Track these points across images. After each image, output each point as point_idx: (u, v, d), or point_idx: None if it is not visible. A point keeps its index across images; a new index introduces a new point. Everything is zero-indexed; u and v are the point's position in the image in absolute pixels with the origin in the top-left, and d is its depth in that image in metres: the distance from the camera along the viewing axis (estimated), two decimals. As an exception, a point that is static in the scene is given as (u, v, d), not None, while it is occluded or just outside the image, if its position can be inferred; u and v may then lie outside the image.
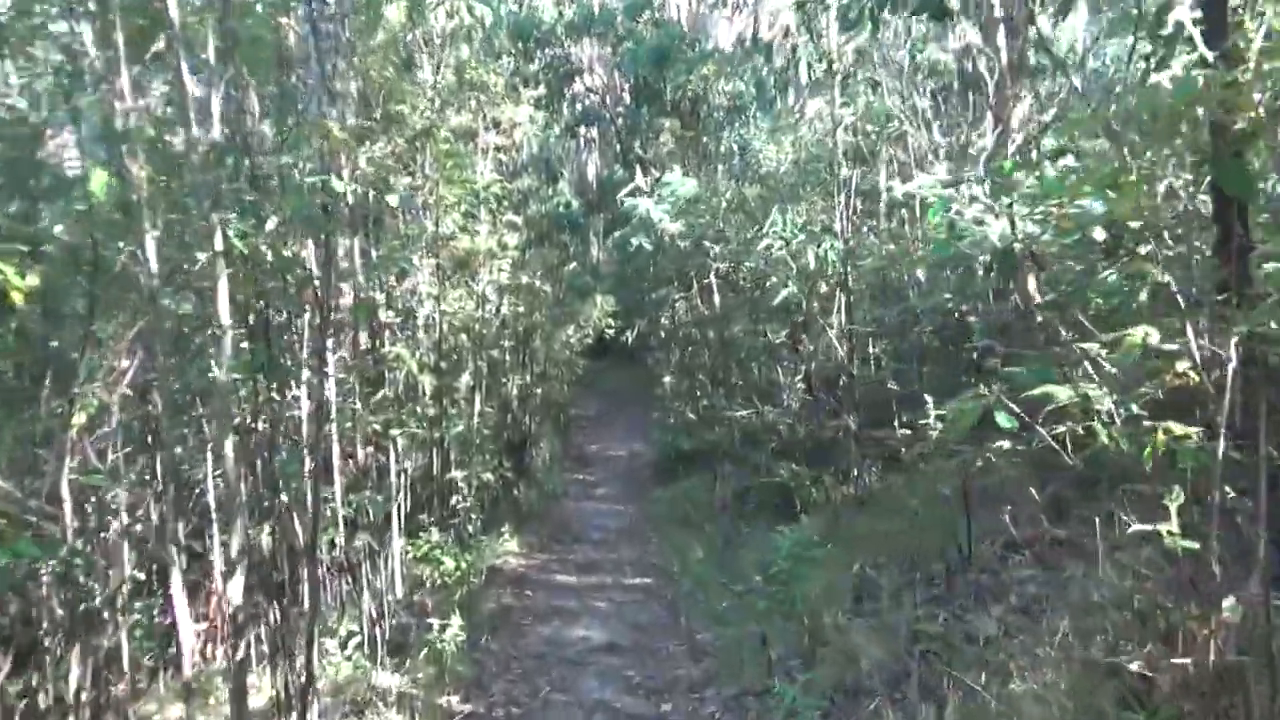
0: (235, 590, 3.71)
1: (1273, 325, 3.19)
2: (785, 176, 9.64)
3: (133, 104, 3.79)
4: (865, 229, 9.32)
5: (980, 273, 6.85)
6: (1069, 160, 3.82)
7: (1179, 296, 3.64)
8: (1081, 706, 3.71)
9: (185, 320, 4.41)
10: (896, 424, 6.32)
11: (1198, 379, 3.42)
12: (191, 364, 4.46)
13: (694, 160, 12.83)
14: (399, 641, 6.75)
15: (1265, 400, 3.33)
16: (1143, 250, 3.45)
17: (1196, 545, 3.16)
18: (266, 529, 4.73)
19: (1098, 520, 4.74)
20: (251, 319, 4.57)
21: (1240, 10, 4.28)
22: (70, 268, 4.31)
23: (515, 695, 6.03)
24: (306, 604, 4.51)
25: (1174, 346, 3.41)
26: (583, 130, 17.39)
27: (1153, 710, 3.48)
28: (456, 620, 6.26)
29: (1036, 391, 3.50)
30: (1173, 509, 3.12)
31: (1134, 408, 3.39)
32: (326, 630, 6.11)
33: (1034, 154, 6.30)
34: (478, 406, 10.36)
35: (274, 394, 4.60)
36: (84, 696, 4.43)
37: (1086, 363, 3.78)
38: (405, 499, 8.33)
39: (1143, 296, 3.70)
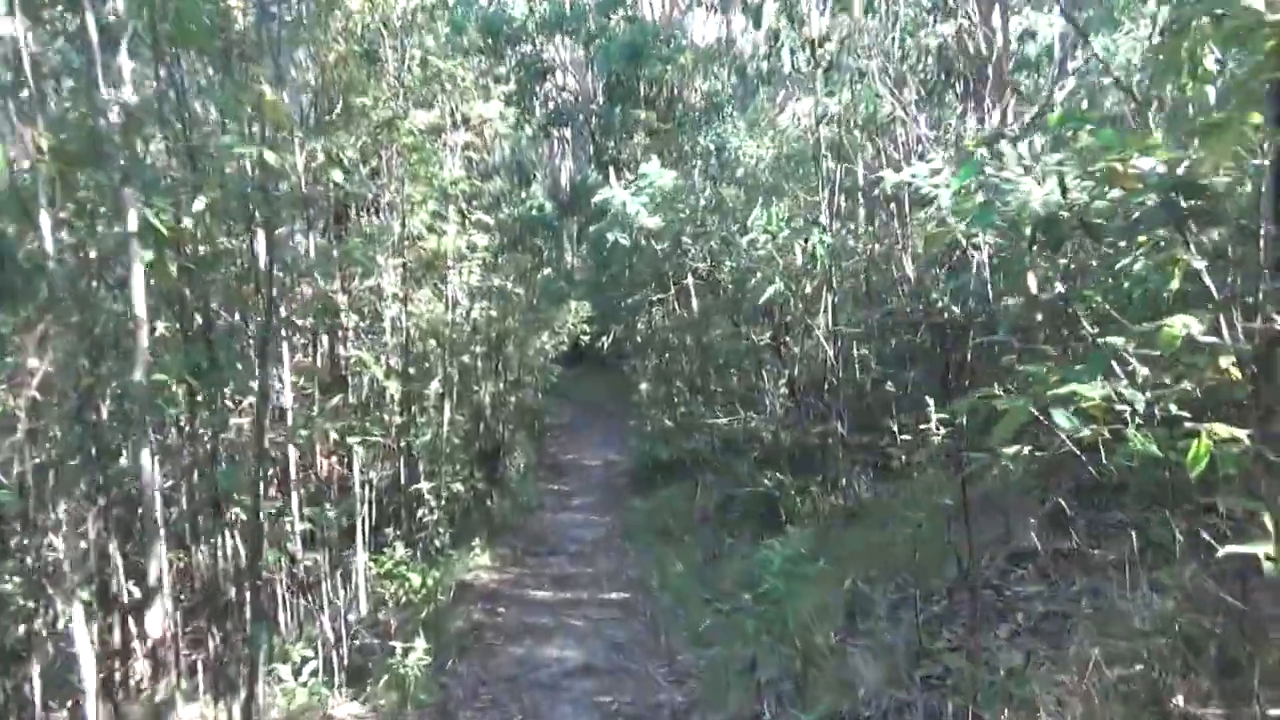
0: (154, 621, 3.28)
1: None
2: (765, 173, 9.27)
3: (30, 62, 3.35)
4: (845, 230, 8.96)
5: (975, 270, 6.53)
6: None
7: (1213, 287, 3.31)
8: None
9: (107, 314, 3.98)
10: (893, 429, 5.93)
11: (1240, 375, 3.07)
12: (113, 365, 4.01)
13: (670, 160, 12.45)
14: (360, 664, 6.31)
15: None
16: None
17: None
18: (205, 548, 4.28)
19: (1124, 532, 4.37)
20: (197, 318, 4.17)
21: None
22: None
23: (484, 725, 5.61)
24: (250, 629, 4.07)
25: (1213, 339, 3.06)
26: (555, 131, 16.99)
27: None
28: (421, 642, 5.82)
29: (1064, 390, 3.13)
30: (1271, 526, 2.73)
31: (1173, 408, 3.04)
32: (280, 655, 5.66)
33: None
34: (447, 414, 9.92)
35: (218, 400, 4.16)
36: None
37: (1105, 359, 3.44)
38: (370, 512, 7.90)
39: (1174, 284, 3.33)
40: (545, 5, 14.00)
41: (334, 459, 7.38)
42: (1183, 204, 3.19)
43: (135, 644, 3.71)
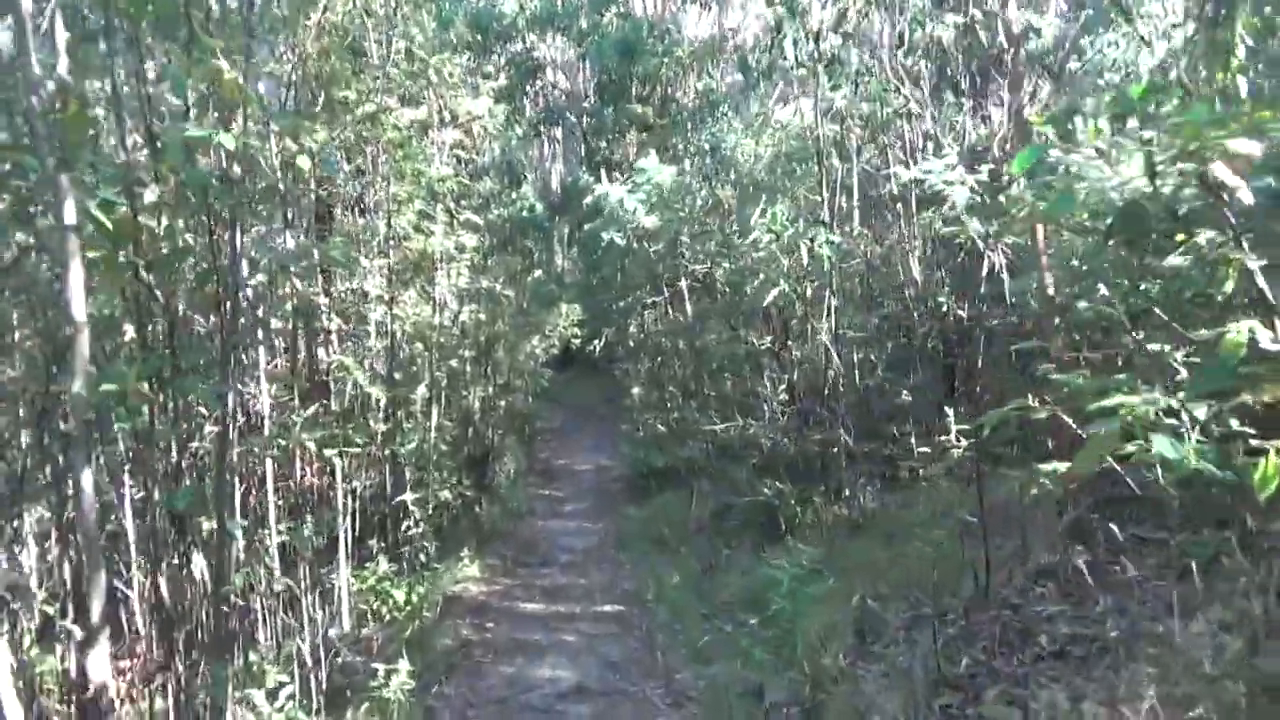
0: (98, 665, 2.96)
1: None
2: (763, 172, 8.97)
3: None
4: (846, 230, 8.67)
5: (987, 272, 6.25)
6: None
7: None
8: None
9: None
10: (909, 438, 5.63)
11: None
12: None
13: (665, 159, 12.13)
14: (341, 686, 5.99)
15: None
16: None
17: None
18: (169, 571, 3.95)
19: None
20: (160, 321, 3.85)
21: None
22: None
23: (471, 754, 5.29)
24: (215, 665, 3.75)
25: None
26: (546, 131, 16.69)
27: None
28: (405, 664, 5.50)
29: (1110, 402, 2.83)
30: None
31: (1234, 423, 2.75)
32: (256, 678, 5.32)
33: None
34: (435, 420, 9.60)
35: (182, 410, 3.84)
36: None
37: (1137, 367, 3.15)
38: (353, 523, 7.57)
39: (1228, 286, 3.04)
40: (536, 2, 13.70)
41: (315, 468, 7.05)
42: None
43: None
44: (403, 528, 7.45)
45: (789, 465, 8.27)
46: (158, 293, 3.36)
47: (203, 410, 6.20)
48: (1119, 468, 3.20)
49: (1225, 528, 4.94)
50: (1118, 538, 5.47)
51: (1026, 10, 9.32)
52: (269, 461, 5.81)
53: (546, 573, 9.74)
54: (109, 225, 2.73)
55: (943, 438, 4.53)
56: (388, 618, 6.64)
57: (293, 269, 5.48)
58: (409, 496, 7.13)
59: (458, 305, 10.71)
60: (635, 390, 14.51)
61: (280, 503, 6.40)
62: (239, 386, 5.69)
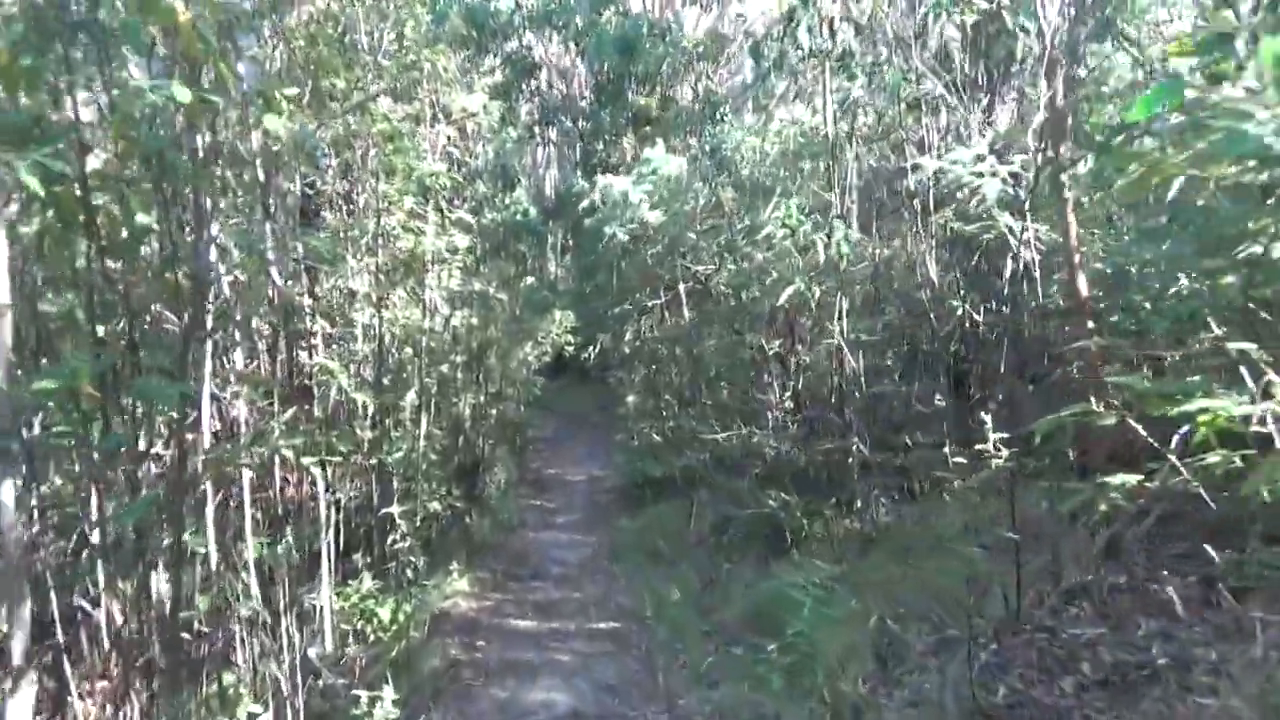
0: (21, 709, 2.56)
1: None
2: (770, 170, 8.62)
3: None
4: (856, 228, 8.32)
5: (1012, 272, 5.91)
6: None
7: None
8: None
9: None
10: (943, 447, 5.28)
11: None
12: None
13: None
14: (322, 712, 5.60)
15: None
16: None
17: None
18: (122, 594, 3.57)
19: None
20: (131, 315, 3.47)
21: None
22: None
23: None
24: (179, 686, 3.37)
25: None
26: (540, 132, 16.34)
27: None
28: (389, 691, 5.11)
29: (1193, 407, 2.48)
30: None
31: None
32: (229, 707, 4.93)
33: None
34: (424, 428, 9.22)
35: (139, 413, 3.46)
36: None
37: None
38: (337, 536, 7.19)
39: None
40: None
41: (296, 478, 6.66)
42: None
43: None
44: (389, 541, 7.05)
45: (795, 476, 7.90)
46: (114, 280, 3.00)
47: (174, 415, 5.86)
48: (1190, 480, 2.84)
49: (1275, 544, 4.60)
50: (1155, 556, 5.13)
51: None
52: (245, 471, 5.43)
53: (539, 586, 9.35)
54: (38, 189, 2.36)
55: (979, 446, 4.18)
56: (372, 638, 6.23)
57: (272, 263, 5.10)
58: (396, 509, 6.75)
59: (449, 309, 10.35)
60: (630, 398, 14.16)
61: (259, 515, 6.01)
62: (213, 390, 5.32)
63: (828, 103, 6.71)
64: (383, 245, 8.04)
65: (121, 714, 3.72)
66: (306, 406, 7.03)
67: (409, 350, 9.11)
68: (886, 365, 8.19)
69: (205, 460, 3.91)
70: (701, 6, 14.61)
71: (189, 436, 5.05)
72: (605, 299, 14.69)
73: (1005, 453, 4.11)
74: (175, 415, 3.18)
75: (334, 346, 8.11)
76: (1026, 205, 5.19)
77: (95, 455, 3.23)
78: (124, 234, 2.98)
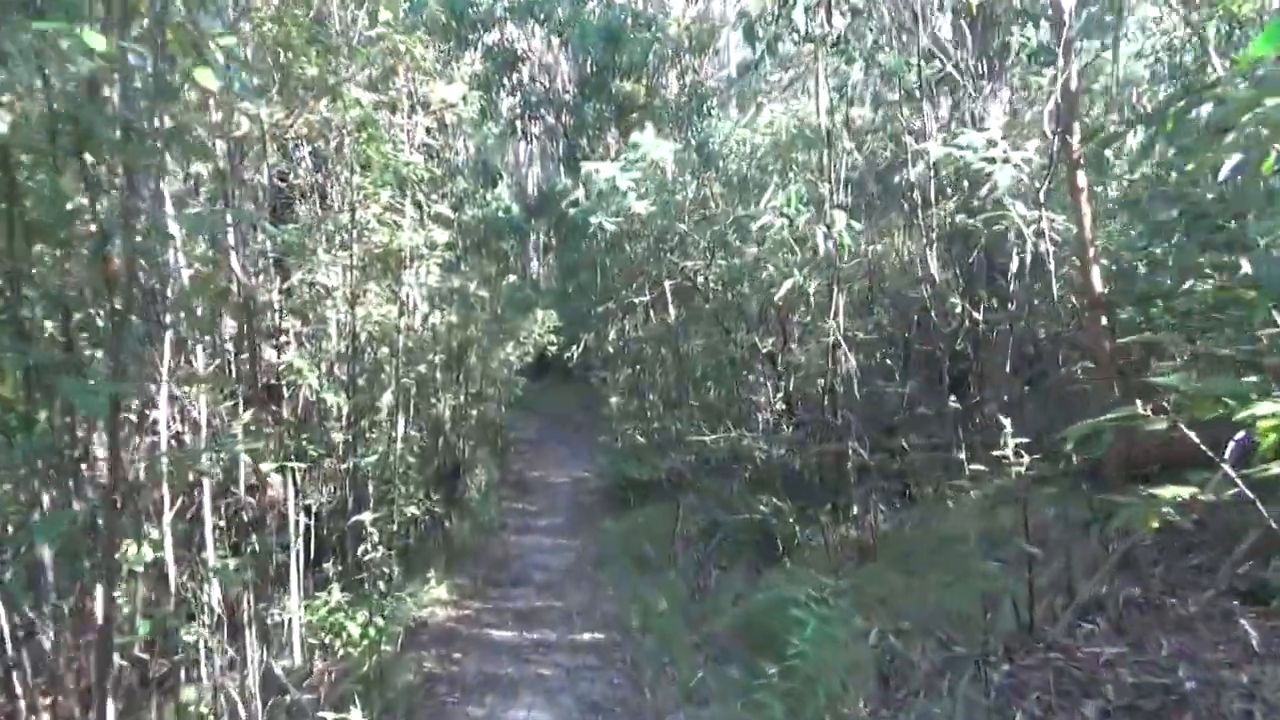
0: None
1: None
2: (760, 163, 8.30)
3: None
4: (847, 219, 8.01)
5: (1014, 266, 5.62)
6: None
7: None
8: None
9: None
10: (947, 450, 4.99)
11: None
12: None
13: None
14: (287, 732, 5.26)
15: None
16: None
17: None
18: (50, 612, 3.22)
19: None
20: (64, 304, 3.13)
21: None
22: None
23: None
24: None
25: None
26: (522, 126, 15.97)
27: None
28: (356, 713, 4.77)
29: (1261, 411, 2.19)
30: None
31: None
32: (185, 729, 4.59)
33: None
34: (401, 430, 8.86)
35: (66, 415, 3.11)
36: None
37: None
38: (308, 544, 6.84)
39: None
40: (515, -10, 13.04)
41: (261, 483, 6.30)
42: None
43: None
44: (359, 551, 6.70)
45: (786, 480, 7.59)
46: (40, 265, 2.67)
47: (131, 418, 5.50)
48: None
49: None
50: (1171, 568, 4.86)
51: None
52: (205, 478, 5.07)
53: (520, 594, 9.03)
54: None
55: (996, 452, 3.89)
56: (341, 653, 5.89)
57: (233, 251, 4.75)
58: (367, 516, 6.39)
59: (428, 307, 10.01)
60: (614, 399, 13.87)
61: (222, 523, 5.65)
62: (172, 390, 4.96)
63: (821, 88, 6.37)
64: (357, 239, 7.69)
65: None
66: (274, 408, 6.68)
67: (385, 349, 8.76)
68: (885, 365, 7.89)
69: (150, 468, 3.56)
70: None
71: (138, 441, 4.70)
72: (588, 298, 14.39)
73: (1026, 459, 3.82)
74: (104, 418, 2.83)
75: (306, 345, 7.75)
76: (1041, 193, 4.90)
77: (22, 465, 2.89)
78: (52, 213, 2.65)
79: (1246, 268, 3.27)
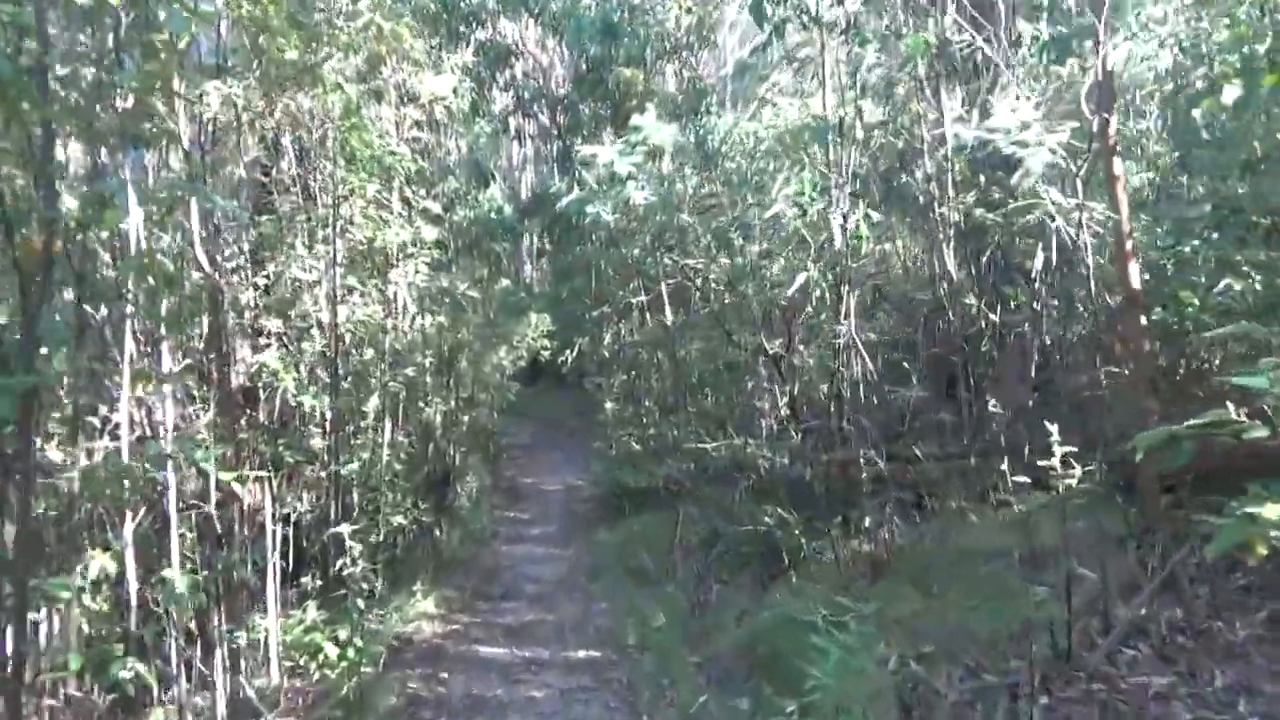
0: None
1: None
2: (770, 153, 7.92)
3: None
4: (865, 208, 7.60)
5: (1039, 262, 5.26)
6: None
7: None
8: None
9: None
10: (964, 458, 4.62)
11: None
12: None
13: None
14: (258, 762, 4.87)
15: None
16: None
17: None
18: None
19: None
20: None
21: None
22: None
23: None
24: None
25: None
26: (515, 124, 15.61)
27: None
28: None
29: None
30: None
31: None
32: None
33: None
34: (388, 435, 8.48)
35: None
36: None
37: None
38: (286, 556, 6.46)
39: None
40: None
41: (244, 491, 5.91)
42: None
43: None
44: (337, 566, 6.30)
45: (791, 489, 7.21)
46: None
47: (93, 421, 5.11)
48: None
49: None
50: (1218, 589, 4.50)
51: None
52: (171, 481, 4.68)
53: (510, 607, 8.63)
54: None
55: (1043, 463, 3.52)
56: (317, 675, 5.49)
57: (195, 236, 4.36)
58: (346, 529, 5.98)
59: (416, 307, 9.64)
60: (608, 405, 13.50)
61: (190, 534, 5.27)
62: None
63: (827, 75, 5.99)
64: (340, 234, 7.32)
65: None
66: (250, 411, 6.30)
67: (371, 351, 8.38)
68: (891, 369, 7.51)
69: (89, 479, 3.18)
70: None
71: (93, 445, 4.33)
72: (582, 302, 14.04)
73: (1077, 470, 3.46)
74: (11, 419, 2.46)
75: (289, 345, 7.36)
76: (1078, 179, 4.55)
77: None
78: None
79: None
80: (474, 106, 13.02)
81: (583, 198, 6.53)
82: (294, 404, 6.89)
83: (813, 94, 7.52)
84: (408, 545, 9.01)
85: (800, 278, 5.82)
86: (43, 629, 3.58)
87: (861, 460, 6.07)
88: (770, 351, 7.33)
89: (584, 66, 12.62)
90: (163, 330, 4.67)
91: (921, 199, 6.80)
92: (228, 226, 6.03)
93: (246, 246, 6.50)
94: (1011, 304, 6.21)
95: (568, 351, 15.52)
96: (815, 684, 3.87)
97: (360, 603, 5.83)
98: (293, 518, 7.06)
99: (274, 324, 6.95)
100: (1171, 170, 7.09)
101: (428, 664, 6.78)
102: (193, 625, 5.17)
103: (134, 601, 4.52)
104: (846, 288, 5.84)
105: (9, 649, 2.53)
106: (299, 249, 6.58)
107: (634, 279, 9.88)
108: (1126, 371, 5.18)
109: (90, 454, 4.50)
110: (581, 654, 7.11)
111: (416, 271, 8.73)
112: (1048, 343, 6.74)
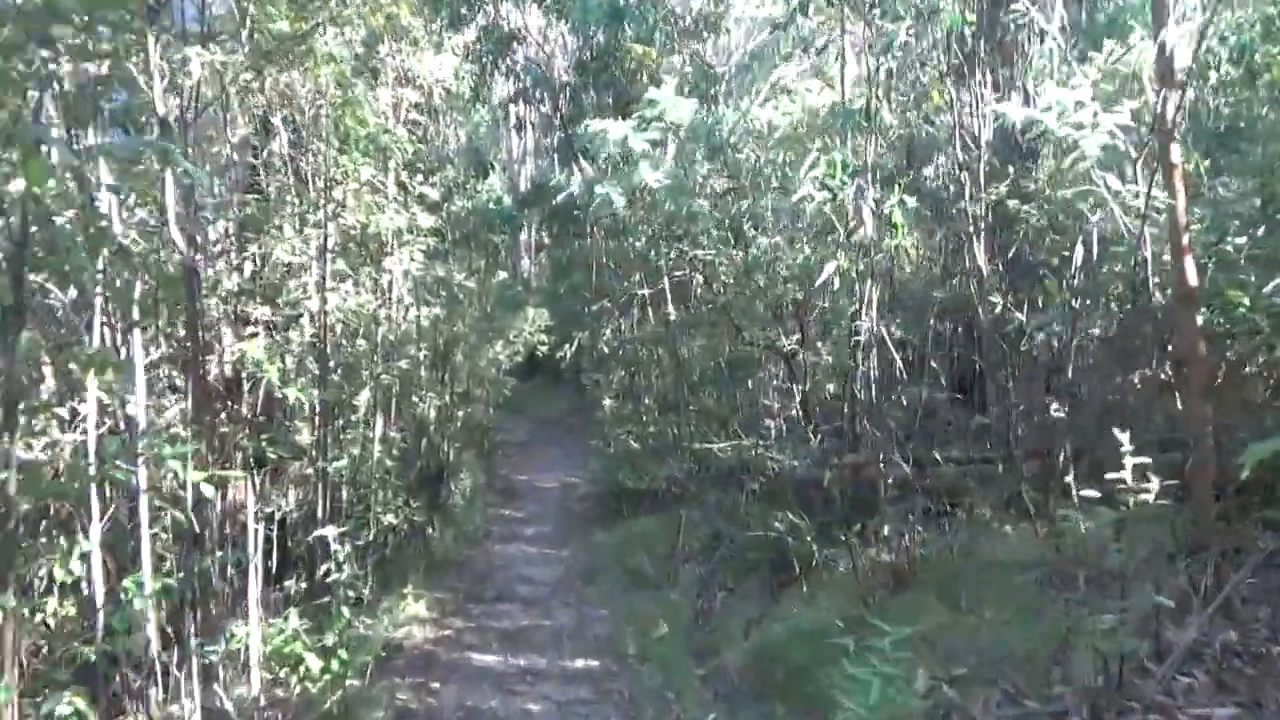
0: None
1: None
2: (779, 144, 7.57)
3: None
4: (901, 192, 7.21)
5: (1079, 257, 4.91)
6: None
7: None
8: None
9: None
10: (997, 465, 4.28)
11: None
12: None
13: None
14: (233, 782, 4.52)
15: None
16: None
17: None
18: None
19: None
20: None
21: None
22: None
23: None
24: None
25: None
26: (517, 110, 15.24)
27: None
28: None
29: None
30: None
31: None
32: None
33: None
34: (379, 430, 8.12)
35: None
36: None
37: None
38: (269, 558, 6.12)
39: None
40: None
41: (218, 490, 5.54)
42: None
43: None
44: (323, 570, 5.93)
45: (800, 492, 6.85)
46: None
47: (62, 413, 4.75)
48: None
49: None
50: (1277, 609, 4.16)
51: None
52: (142, 480, 4.32)
53: (504, 610, 8.28)
54: None
55: (1112, 475, 3.18)
56: (298, 689, 5.13)
57: (174, 215, 4.00)
58: (331, 531, 5.61)
59: (411, 298, 9.28)
60: (607, 402, 13.16)
61: (164, 535, 4.91)
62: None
63: (850, 57, 5.65)
64: (332, 218, 6.95)
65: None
66: (232, 404, 5.94)
67: (362, 342, 8.01)
68: (918, 367, 7.14)
69: (27, 480, 2.83)
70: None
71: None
72: (581, 296, 13.68)
73: (1155, 483, 3.12)
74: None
75: (275, 334, 6.99)
76: (1139, 164, 4.22)
77: None
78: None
79: None
80: (475, 92, 12.65)
81: (592, 179, 6.15)
82: (279, 396, 6.53)
83: (833, 79, 7.15)
84: (398, 545, 8.67)
85: (829, 267, 5.46)
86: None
87: (881, 464, 5.72)
88: (784, 348, 6.95)
89: (589, 54, 12.26)
90: (135, 315, 4.31)
91: (952, 189, 6.44)
92: (209, 204, 5.66)
93: (231, 227, 6.13)
94: (1040, 301, 5.86)
95: (565, 347, 15.17)
96: (847, 715, 3.52)
97: (346, 611, 5.45)
98: (277, 516, 6.72)
99: (260, 311, 6.58)
100: (1208, 164, 6.69)
101: (418, 673, 6.44)
102: (169, 629, 4.83)
103: (100, 607, 4.18)
104: (871, 281, 5.50)
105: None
106: (288, 231, 6.20)
107: (636, 272, 9.51)
108: (1164, 375, 4.86)
109: (54, 447, 4.15)
110: (580, 663, 6.77)
111: (412, 259, 8.36)
112: (1082, 343, 6.38)
